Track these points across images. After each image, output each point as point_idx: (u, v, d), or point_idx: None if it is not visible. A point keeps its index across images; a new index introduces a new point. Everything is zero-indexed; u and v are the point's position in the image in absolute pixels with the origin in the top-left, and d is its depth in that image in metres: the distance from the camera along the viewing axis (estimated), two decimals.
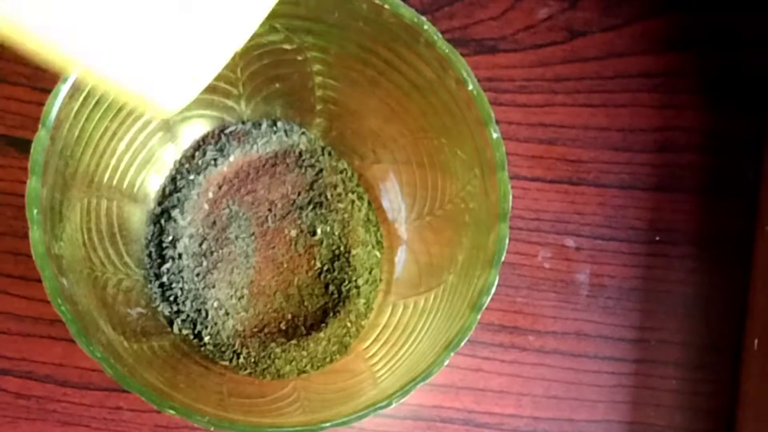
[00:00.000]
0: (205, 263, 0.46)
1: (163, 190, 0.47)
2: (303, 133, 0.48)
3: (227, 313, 0.46)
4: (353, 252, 0.47)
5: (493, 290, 0.37)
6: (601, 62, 0.50)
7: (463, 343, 0.37)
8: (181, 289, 0.45)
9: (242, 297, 0.46)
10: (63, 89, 0.37)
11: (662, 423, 0.48)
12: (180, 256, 0.46)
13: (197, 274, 0.46)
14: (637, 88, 0.50)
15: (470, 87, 0.38)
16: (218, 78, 0.44)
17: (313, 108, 0.46)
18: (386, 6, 0.38)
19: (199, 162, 0.47)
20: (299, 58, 0.44)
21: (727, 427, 0.48)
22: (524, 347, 0.48)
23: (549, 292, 0.48)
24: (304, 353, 0.45)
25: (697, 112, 0.50)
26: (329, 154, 0.48)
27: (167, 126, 0.45)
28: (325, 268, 0.47)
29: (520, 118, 0.49)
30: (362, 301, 0.46)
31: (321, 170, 0.48)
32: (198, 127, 0.47)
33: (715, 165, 0.49)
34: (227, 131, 0.47)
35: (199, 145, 0.47)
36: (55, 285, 0.35)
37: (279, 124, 0.47)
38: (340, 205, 0.47)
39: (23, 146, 0.48)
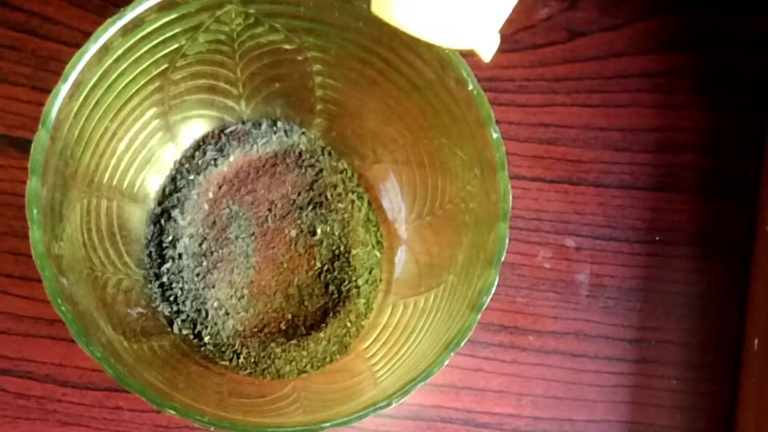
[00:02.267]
0: (205, 263, 0.46)
1: (163, 190, 0.47)
2: (303, 133, 0.48)
3: (227, 313, 0.46)
4: (353, 252, 0.47)
5: (493, 290, 0.37)
6: (601, 62, 0.50)
7: (463, 343, 0.37)
8: (181, 289, 0.45)
9: (242, 297, 0.46)
10: (63, 89, 0.37)
11: (662, 423, 0.48)
12: (180, 256, 0.46)
13: (197, 274, 0.46)
14: (637, 88, 0.50)
15: (470, 87, 0.38)
16: (218, 78, 0.45)
17: (313, 108, 0.46)
18: None
19: (199, 162, 0.47)
20: (299, 58, 0.44)
21: (727, 427, 0.48)
22: (524, 347, 0.48)
23: (549, 292, 0.48)
24: (304, 353, 0.45)
25: (697, 112, 0.50)
26: (329, 154, 0.48)
27: (167, 126, 0.45)
28: (325, 268, 0.47)
29: (520, 118, 0.49)
30: (362, 301, 0.46)
31: (321, 170, 0.48)
32: (198, 127, 0.47)
33: (715, 165, 0.49)
34: (227, 131, 0.47)
35: (199, 145, 0.47)
36: (55, 285, 0.35)
37: (279, 124, 0.47)
38: (340, 205, 0.47)
39: (23, 146, 0.48)
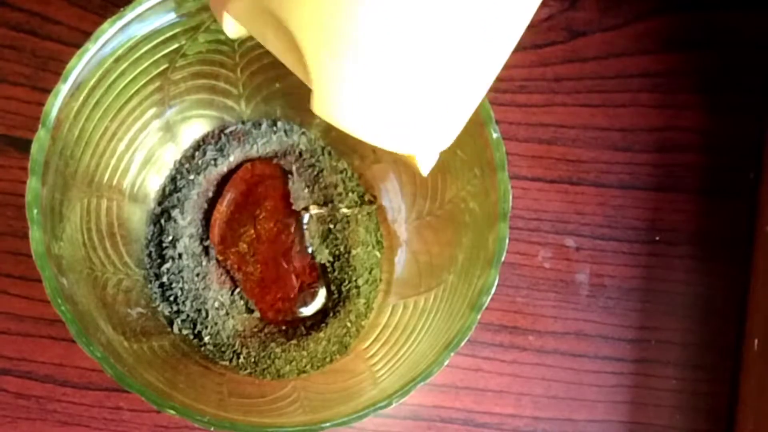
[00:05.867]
0: (205, 263, 0.46)
1: (163, 190, 0.47)
2: (303, 133, 0.48)
3: (227, 313, 0.46)
4: (353, 252, 0.47)
5: (493, 290, 0.37)
6: (601, 62, 0.50)
7: (463, 343, 0.37)
8: (181, 289, 0.45)
9: (242, 297, 0.46)
10: (63, 89, 0.37)
11: (662, 423, 0.48)
12: (180, 256, 0.46)
13: (197, 274, 0.46)
14: (637, 88, 0.50)
15: None
16: (218, 78, 0.45)
17: None
18: None
19: (199, 162, 0.47)
20: None
21: (727, 427, 0.48)
22: (524, 347, 0.48)
23: (549, 292, 0.48)
24: (304, 353, 0.45)
25: (697, 112, 0.50)
26: (329, 153, 0.48)
27: (167, 126, 0.45)
28: (325, 268, 0.47)
29: (520, 118, 0.49)
30: (362, 301, 0.46)
31: (321, 170, 0.48)
32: (198, 127, 0.47)
33: (715, 165, 0.49)
34: (227, 131, 0.47)
35: (199, 145, 0.47)
36: (55, 285, 0.35)
37: (279, 124, 0.47)
38: (340, 205, 0.47)
39: (23, 146, 0.48)
